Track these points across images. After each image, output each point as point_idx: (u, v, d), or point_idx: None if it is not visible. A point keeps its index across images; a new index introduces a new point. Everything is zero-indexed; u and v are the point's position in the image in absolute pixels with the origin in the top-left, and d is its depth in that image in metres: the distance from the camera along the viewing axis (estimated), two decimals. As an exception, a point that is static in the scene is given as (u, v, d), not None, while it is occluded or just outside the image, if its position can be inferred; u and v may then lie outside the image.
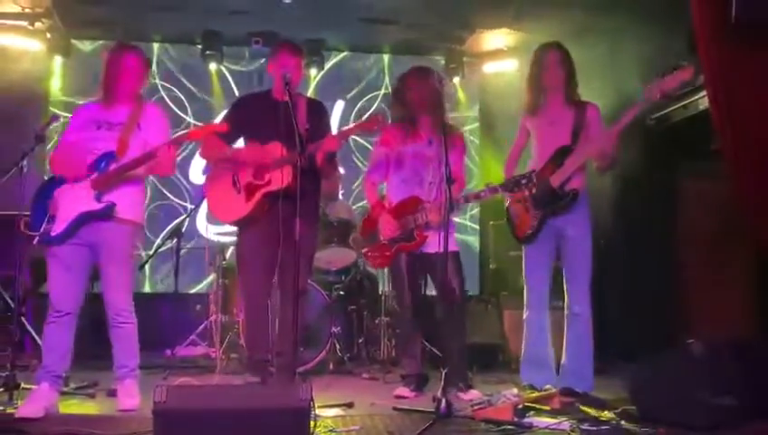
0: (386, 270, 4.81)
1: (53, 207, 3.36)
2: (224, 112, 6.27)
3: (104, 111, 3.49)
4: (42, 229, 3.32)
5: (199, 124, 6.33)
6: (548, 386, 3.64)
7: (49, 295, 3.38)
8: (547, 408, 3.29)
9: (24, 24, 5.78)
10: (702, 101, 4.60)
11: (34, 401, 3.21)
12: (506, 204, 4.00)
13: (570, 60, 3.82)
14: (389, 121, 4.07)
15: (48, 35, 5.93)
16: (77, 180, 3.37)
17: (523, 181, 3.48)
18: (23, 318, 4.58)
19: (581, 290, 3.76)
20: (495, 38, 6.29)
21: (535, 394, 3.49)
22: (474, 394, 3.66)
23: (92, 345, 3.94)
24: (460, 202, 3.82)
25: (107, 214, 3.33)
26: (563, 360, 3.79)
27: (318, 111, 3.83)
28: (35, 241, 3.31)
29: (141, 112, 3.49)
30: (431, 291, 4.03)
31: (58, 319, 3.34)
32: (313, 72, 6.65)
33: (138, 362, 3.49)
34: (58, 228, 3.33)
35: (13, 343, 3.71)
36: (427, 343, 4.18)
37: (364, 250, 4.12)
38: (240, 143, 3.91)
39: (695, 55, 3.51)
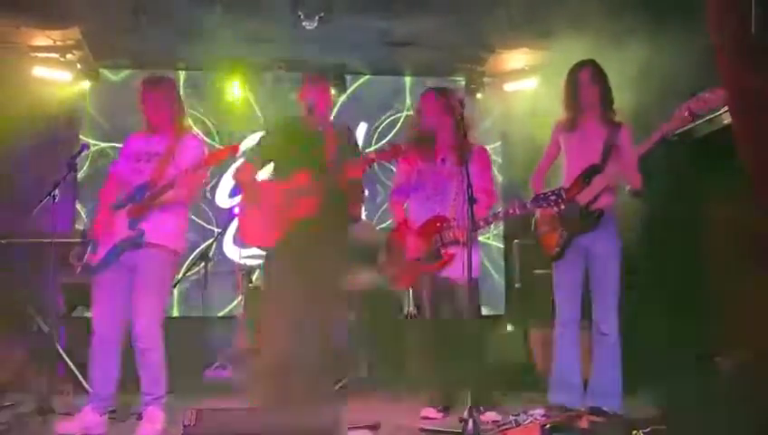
0: (411, 291, 4.84)
1: (94, 235, 3.54)
2: (249, 137, 6.46)
3: (147, 141, 3.64)
4: (85, 259, 3.53)
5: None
6: (577, 406, 3.61)
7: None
8: (575, 428, 3.27)
9: (56, 55, 5.94)
10: (726, 115, 4.56)
11: (74, 420, 3.35)
12: (533, 223, 3.99)
13: (604, 77, 3.82)
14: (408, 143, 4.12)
15: (78, 66, 6.10)
16: (117, 210, 3.51)
17: (552, 198, 3.48)
18: (55, 342, 4.66)
19: (609, 309, 3.73)
20: (516, 58, 6.32)
21: (563, 414, 3.47)
22: (490, 416, 3.65)
23: (123, 368, 3.99)
24: (480, 225, 3.82)
25: (138, 240, 3.44)
26: (591, 379, 3.76)
27: (344, 137, 3.89)
28: (78, 270, 3.47)
29: (179, 144, 3.59)
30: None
31: (99, 343, 3.45)
32: (336, 95, 6.74)
33: (164, 391, 3.51)
34: (98, 257, 3.48)
35: (46, 368, 3.78)
36: (450, 364, 4.18)
37: (389, 270, 4.14)
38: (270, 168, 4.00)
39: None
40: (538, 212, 3.93)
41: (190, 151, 3.61)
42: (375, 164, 6.40)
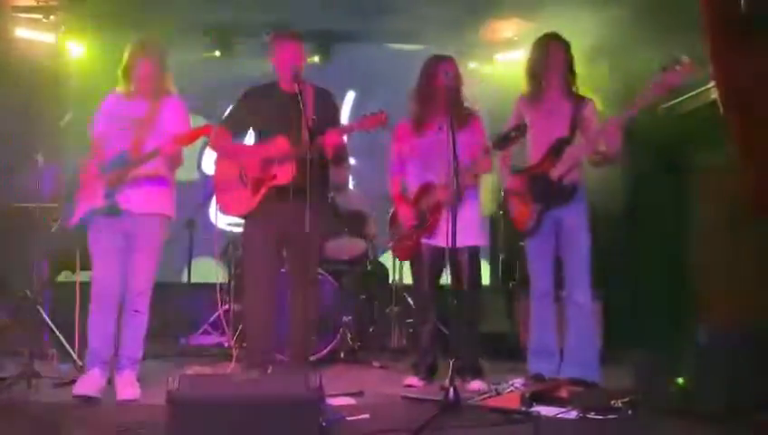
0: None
1: (77, 198, 3.55)
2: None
3: (126, 105, 3.56)
4: (60, 220, 3.62)
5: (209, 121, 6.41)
6: (555, 375, 3.67)
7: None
8: (554, 397, 3.32)
9: (39, 16, 5.84)
10: (713, 90, 4.57)
11: (88, 382, 3.35)
12: (502, 197, 4.01)
13: (569, 51, 3.82)
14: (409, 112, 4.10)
15: (62, 28, 5.99)
16: (96, 177, 3.48)
17: (513, 135, 3.56)
18: (39, 308, 4.65)
19: (582, 280, 3.77)
20: (506, 28, 6.29)
21: (543, 383, 3.52)
22: (477, 384, 3.71)
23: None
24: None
25: (110, 211, 3.44)
26: (567, 349, 3.81)
27: (325, 100, 3.79)
28: (53, 229, 3.52)
29: (160, 108, 3.53)
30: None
31: (97, 305, 3.48)
32: (324, 62, 6.67)
33: (140, 356, 3.56)
34: (74, 219, 3.50)
35: (30, 332, 3.79)
36: (438, 332, 4.22)
37: (390, 244, 4.23)
38: (250, 134, 3.92)
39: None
40: (507, 185, 3.95)
41: (172, 115, 3.55)
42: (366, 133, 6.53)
